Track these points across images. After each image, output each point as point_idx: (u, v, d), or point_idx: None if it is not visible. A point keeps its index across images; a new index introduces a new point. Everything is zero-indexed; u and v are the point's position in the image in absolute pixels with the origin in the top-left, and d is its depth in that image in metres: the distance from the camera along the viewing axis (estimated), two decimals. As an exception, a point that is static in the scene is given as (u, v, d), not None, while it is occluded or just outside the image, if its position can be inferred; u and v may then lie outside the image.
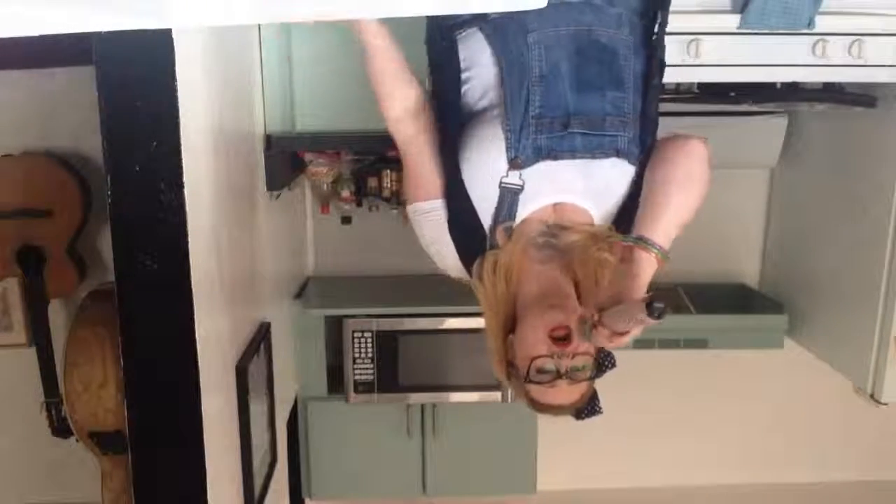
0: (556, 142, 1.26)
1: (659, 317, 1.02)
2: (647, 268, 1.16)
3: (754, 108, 2.80)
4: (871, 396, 2.48)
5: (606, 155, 1.28)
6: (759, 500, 3.42)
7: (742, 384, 3.31)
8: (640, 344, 2.87)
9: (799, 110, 2.84)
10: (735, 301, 3.14)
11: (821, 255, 2.83)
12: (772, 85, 2.40)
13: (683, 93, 2.47)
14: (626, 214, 1.27)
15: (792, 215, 3.09)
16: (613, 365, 1.26)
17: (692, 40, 2.03)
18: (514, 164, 1.26)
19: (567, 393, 1.24)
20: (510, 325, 1.28)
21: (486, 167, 1.27)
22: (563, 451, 3.12)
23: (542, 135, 1.26)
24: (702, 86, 2.43)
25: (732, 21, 2.02)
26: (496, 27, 1.30)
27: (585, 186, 1.29)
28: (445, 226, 1.30)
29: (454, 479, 2.94)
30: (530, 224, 1.29)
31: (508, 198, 1.27)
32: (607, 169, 1.29)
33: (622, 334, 1.13)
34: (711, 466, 3.41)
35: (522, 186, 1.27)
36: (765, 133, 2.93)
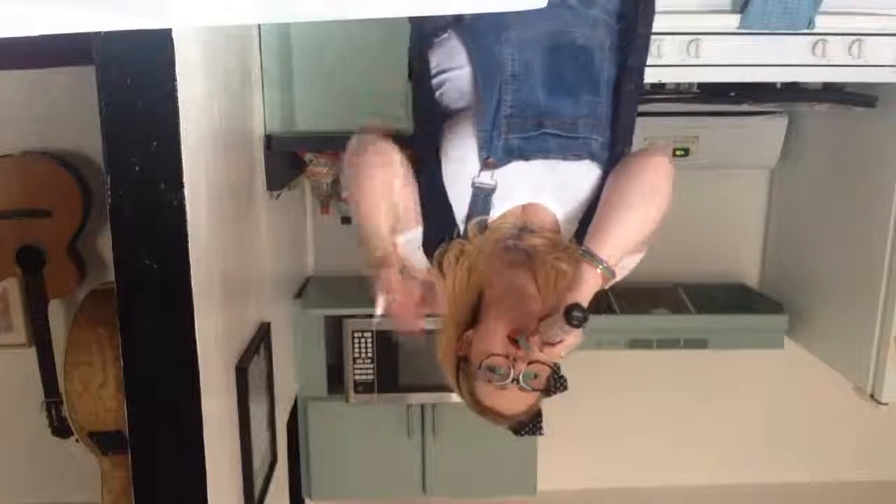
0: (529, 142, 1.25)
1: (577, 325, 0.99)
2: (589, 281, 1.13)
3: (754, 108, 2.81)
4: (871, 396, 2.48)
5: (579, 157, 1.26)
6: (760, 500, 3.43)
7: (742, 384, 3.31)
8: (640, 344, 2.88)
9: (799, 110, 2.85)
10: (735, 301, 3.14)
11: (821, 255, 2.83)
12: (772, 85, 2.40)
13: (683, 93, 2.47)
14: (591, 219, 1.23)
15: (792, 215, 3.09)
16: (565, 387, 1.23)
17: (692, 40, 2.02)
18: (487, 164, 1.25)
19: (514, 401, 1.21)
20: (468, 319, 1.26)
21: (460, 167, 1.26)
22: (563, 451, 3.12)
23: (513, 135, 1.25)
24: (702, 86, 2.43)
25: (732, 21, 2.02)
26: (471, 29, 1.28)
27: (556, 188, 1.27)
28: (419, 251, 1.28)
29: (454, 480, 2.94)
30: (503, 222, 1.28)
31: (481, 197, 1.26)
32: (578, 171, 1.27)
33: (553, 345, 1.10)
34: (711, 466, 3.41)
35: (495, 187, 1.26)
36: (765, 133, 2.93)
